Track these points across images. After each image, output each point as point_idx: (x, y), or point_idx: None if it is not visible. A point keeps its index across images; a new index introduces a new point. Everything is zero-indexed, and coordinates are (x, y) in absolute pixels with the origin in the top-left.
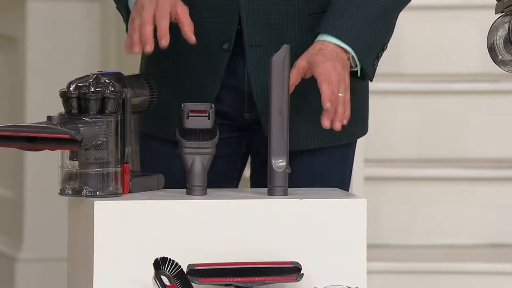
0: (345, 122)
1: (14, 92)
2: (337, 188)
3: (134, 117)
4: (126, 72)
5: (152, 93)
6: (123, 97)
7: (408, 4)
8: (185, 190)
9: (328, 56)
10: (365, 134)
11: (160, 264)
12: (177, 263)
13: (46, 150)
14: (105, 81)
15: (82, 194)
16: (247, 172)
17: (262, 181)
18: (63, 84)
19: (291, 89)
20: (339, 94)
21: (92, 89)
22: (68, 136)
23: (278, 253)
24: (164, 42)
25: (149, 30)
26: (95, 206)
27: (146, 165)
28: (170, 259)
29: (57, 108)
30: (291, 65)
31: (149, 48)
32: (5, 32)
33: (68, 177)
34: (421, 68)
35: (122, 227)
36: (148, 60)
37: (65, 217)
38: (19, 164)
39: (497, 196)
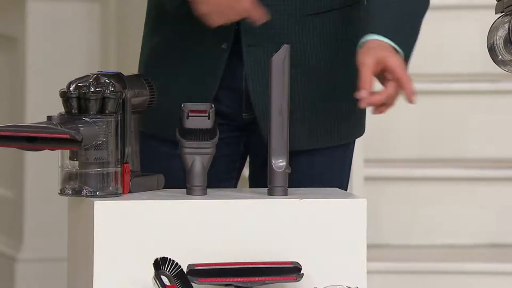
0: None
1: (14, 92)
2: (337, 188)
3: (134, 117)
4: (126, 72)
5: (152, 93)
6: (123, 97)
7: None
8: (185, 190)
9: (389, 48)
10: (362, 134)
11: (160, 264)
12: (177, 263)
13: (46, 150)
14: (105, 81)
15: (82, 194)
16: (245, 172)
17: (261, 181)
18: (63, 84)
19: (371, 88)
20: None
21: (92, 89)
22: (68, 136)
23: (278, 253)
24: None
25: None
26: (95, 206)
27: (146, 165)
28: (170, 259)
29: (57, 108)
30: (291, 65)
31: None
32: (5, 32)
33: (68, 177)
34: (421, 68)
35: (122, 227)
36: (148, 60)
37: (65, 217)
38: (19, 164)
39: (497, 196)
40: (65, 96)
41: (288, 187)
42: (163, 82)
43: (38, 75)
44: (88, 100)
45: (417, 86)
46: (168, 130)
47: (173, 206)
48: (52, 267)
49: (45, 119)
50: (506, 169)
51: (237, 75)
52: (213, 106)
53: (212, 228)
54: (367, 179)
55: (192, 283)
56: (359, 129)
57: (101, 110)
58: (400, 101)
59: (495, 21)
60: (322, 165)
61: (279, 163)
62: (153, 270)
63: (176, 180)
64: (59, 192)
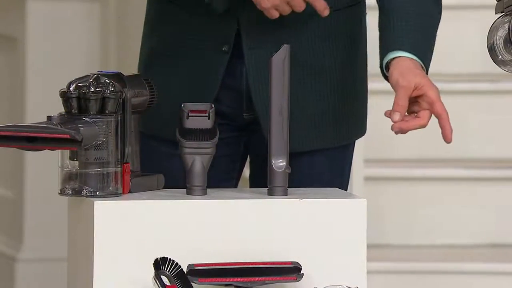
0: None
1: (14, 92)
2: (337, 188)
3: (134, 117)
4: (126, 72)
5: (152, 93)
6: (123, 97)
7: None
8: (185, 190)
9: (424, 75)
10: (363, 134)
11: (160, 264)
12: (177, 263)
13: (46, 150)
14: (105, 81)
15: (82, 194)
16: (246, 172)
17: (261, 181)
18: (63, 84)
19: (404, 113)
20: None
21: (92, 89)
22: (68, 136)
23: (278, 253)
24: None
25: None
26: (95, 206)
27: (146, 165)
28: (170, 259)
29: (57, 108)
30: (292, 65)
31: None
32: (5, 32)
33: (68, 177)
34: None
35: (122, 227)
36: (147, 60)
37: (65, 217)
38: (19, 164)
39: (497, 196)
40: (65, 96)
41: (288, 187)
42: (162, 82)
43: (38, 75)
44: (88, 100)
45: None
46: (168, 130)
47: (173, 206)
48: (52, 267)
49: (45, 119)
50: (506, 169)
51: (238, 76)
52: (213, 106)
53: (212, 228)
54: (367, 179)
55: (192, 283)
56: (361, 130)
57: (101, 110)
58: None
59: (495, 21)
60: (322, 165)
61: (279, 163)
62: (153, 270)
63: (176, 180)
64: (59, 192)
